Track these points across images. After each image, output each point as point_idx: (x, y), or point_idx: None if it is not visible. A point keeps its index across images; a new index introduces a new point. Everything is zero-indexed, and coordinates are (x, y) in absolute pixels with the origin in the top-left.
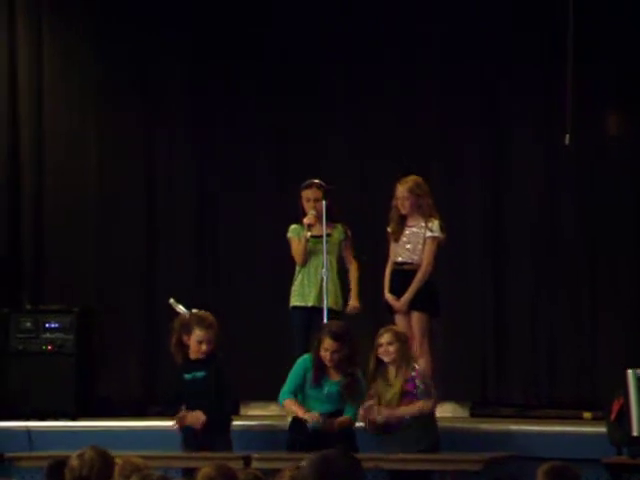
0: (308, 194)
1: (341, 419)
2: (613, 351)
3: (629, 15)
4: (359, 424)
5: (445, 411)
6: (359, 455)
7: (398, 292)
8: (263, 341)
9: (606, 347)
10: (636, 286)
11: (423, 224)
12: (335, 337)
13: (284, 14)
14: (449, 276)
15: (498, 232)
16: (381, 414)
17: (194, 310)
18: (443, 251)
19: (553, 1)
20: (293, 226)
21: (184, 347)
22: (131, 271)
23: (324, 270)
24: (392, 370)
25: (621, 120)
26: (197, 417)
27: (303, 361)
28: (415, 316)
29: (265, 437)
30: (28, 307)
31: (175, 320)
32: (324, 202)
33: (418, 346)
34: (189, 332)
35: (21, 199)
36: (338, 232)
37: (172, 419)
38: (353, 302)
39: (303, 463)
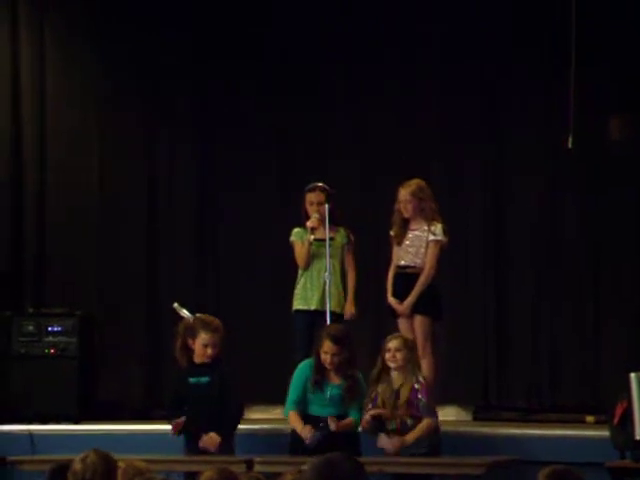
0: (311, 197)
1: (345, 422)
2: (616, 355)
3: (632, 17)
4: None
5: (448, 415)
6: (362, 459)
7: (401, 296)
8: (265, 344)
9: (609, 351)
10: (639, 290)
11: (426, 228)
12: (335, 340)
13: (284, 14)
14: (452, 279)
15: (500, 235)
16: (394, 446)
17: (198, 314)
18: (445, 254)
19: (553, 1)
20: (296, 229)
21: (189, 351)
22: (132, 271)
23: (327, 274)
24: (397, 376)
25: (623, 123)
26: (213, 439)
27: (302, 369)
28: (418, 319)
29: (268, 441)
30: (30, 310)
31: (179, 324)
32: (327, 206)
33: (421, 349)
34: (194, 336)
35: (23, 197)
36: (341, 236)
37: (170, 423)
38: (349, 308)
39: (305, 467)
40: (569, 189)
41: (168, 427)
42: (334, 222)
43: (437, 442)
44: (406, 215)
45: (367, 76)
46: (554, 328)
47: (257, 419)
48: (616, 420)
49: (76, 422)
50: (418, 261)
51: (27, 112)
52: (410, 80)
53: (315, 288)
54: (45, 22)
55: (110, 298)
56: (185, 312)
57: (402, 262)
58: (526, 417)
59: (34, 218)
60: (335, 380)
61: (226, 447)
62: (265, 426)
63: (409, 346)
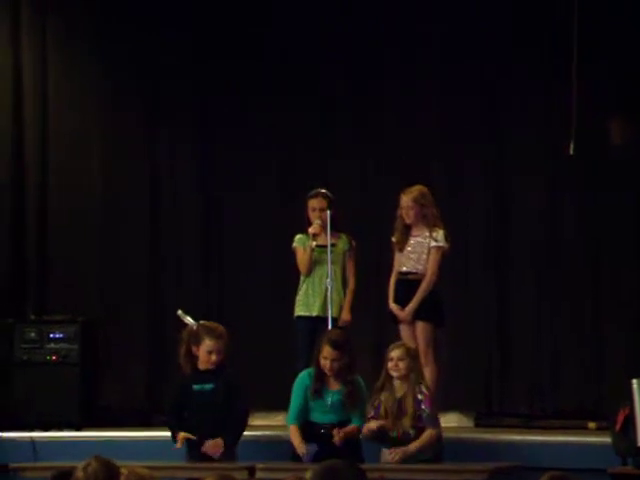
0: (314, 203)
1: (350, 428)
2: (618, 361)
3: (633, 17)
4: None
5: (450, 421)
6: (364, 466)
7: (403, 302)
8: (267, 350)
9: (611, 357)
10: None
11: (428, 234)
12: (335, 345)
13: (284, 14)
14: (453, 285)
15: (500, 237)
16: (397, 456)
17: (202, 321)
18: (447, 259)
19: (554, 1)
20: (299, 236)
21: (193, 358)
22: (134, 273)
23: (328, 280)
24: (400, 385)
25: (624, 125)
26: (217, 445)
27: (301, 379)
28: (420, 326)
29: (269, 447)
30: (32, 317)
31: (183, 331)
32: (329, 212)
33: (423, 356)
34: (198, 343)
35: (25, 199)
36: (343, 242)
37: (171, 431)
38: (344, 315)
39: (307, 474)
40: (569, 190)
41: (169, 434)
42: (336, 228)
43: (439, 450)
44: (408, 221)
45: (367, 76)
46: (556, 334)
47: (259, 425)
48: (618, 426)
49: (78, 429)
50: (420, 267)
51: (29, 114)
52: (410, 80)
53: (317, 294)
54: (47, 24)
55: (112, 300)
56: (189, 319)
57: (404, 268)
58: (528, 423)
59: (36, 220)
60: (335, 386)
61: (228, 453)
62: (267, 432)
63: (411, 355)
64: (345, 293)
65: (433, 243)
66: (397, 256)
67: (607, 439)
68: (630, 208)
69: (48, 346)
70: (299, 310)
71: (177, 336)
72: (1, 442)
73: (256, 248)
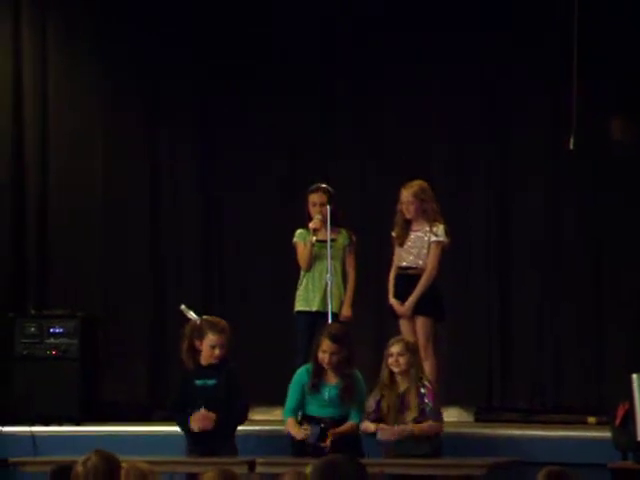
0: (314, 198)
1: (345, 427)
2: (618, 355)
3: (635, 17)
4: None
5: (450, 416)
6: (364, 460)
7: (403, 297)
8: (267, 345)
9: (611, 352)
10: None
11: (428, 229)
12: (334, 339)
13: (284, 14)
14: (454, 280)
15: (502, 235)
16: (395, 434)
17: (205, 316)
18: (447, 255)
19: (553, 1)
20: (299, 231)
21: (195, 353)
22: (135, 272)
23: (329, 275)
24: (401, 380)
25: (626, 124)
26: (207, 417)
27: (299, 375)
28: (420, 321)
29: (269, 442)
30: (32, 312)
31: (186, 326)
32: (329, 207)
33: (423, 351)
34: (201, 337)
35: (26, 199)
36: (343, 237)
37: (185, 425)
38: (345, 311)
39: (307, 468)
40: (570, 189)
41: (170, 428)
42: (336, 223)
43: (438, 444)
44: (408, 216)
45: (367, 76)
46: (557, 329)
47: (259, 420)
48: (618, 421)
49: (78, 423)
50: (420, 262)
51: (29, 114)
52: (410, 80)
53: (317, 289)
54: (47, 24)
55: (113, 299)
56: (192, 314)
57: (404, 263)
58: (528, 418)
59: (36, 220)
60: (333, 380)
61: (229, 448)
62: (267, 427)
63: (411, 349)
64: (345, 288)
65: (433, 238)
66: (397, 251)
67: (607, 434)
68: (631, 208)
69: (48, 341)
70: (299, 305)
71: (179, 331)
72: (1, 436)
73: (256, 248)
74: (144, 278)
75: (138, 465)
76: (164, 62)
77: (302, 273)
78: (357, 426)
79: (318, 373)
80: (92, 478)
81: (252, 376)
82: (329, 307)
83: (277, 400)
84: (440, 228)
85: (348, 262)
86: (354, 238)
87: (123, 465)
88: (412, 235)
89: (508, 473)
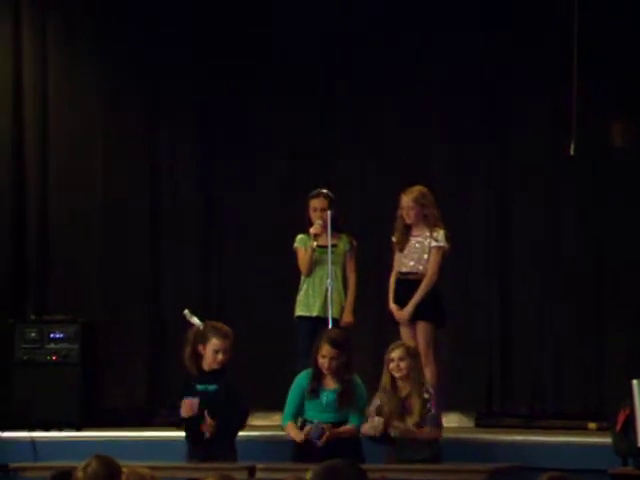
0: (315, 203)
1: (345, 428)
2: (619, 362)
3: (635, 17)
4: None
5: (450, 421)
6: (365, 465)
7: (403, 302)
8: (268, 348)
9: (611, 353)
10: None
11: (428, 234)
12: (334, 344)
13: (284, 14)
14: (454, 285)
15: (502, 236)
16: (397, 428)
17: (208, 321)
18: (448, 259)
19: (554, 1)
20: (300, 236)
21: (198, 358)
22: (135, 275)
23: (329, 280)
24: (403, 385)
25: (626, 127)
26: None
27: (299, 380)
28: (420, 326)
29: (270, 447)
30: (33, 317)
31: (189, 332)
32: (329, 212)
33: (423, 356)
34: (205, 342)
35: (25, 199)
36: (343, 242)
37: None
38: (346, 317)
39: (307, 474)
40: (570, 190)
41: (170, 434)
42: (337, 228)
43: (438, 450)
44: (408, 221)
45: (367, 76)
46: (557, 330)
47: (259, 425)
48: (618, 427)
49: (78, 429)
50: (420, 267)
51: (29, 114)
52: (410, 80)
53: (317, 295)
54: (47, 24)
55: (113, 299)
56: (195, 320)
57: (404, 268)
58: (528, 424)
59: (37, 220)
60: (331, 385)
61: (229, 453)
62: (267, 433)
63: (412, 354)
64: (346, 293)
65: (434, 243)
66: (397, 256)
67: (608, 439)
68: (631, 208)
69: (48, 346)
70: (299, 310)
71: (181, 336)
72: (1, 442)
73: (256, 248)
74: (144, 278)
75: (138, 470)
76: (164, 62)
77: (302, 278)
78: (356, 430)
79: (317, 378)
80: None
81: (252, 381)
82: (329, 313)
83: (277, 405)
84: (440, 233)
85: (349, 267)
86: (355, 243)
87: (123, 470)
88: (412, 240)
89: (508, 479)
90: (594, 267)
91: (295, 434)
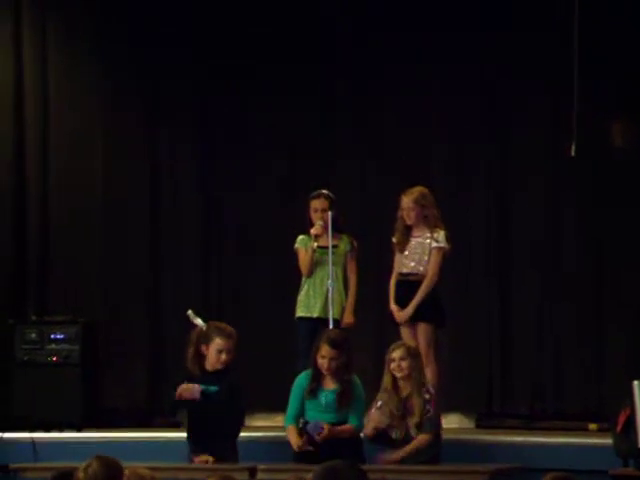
0: (316, 204)
1: (344, 427)
2: (619, 362)
3: (637, 17)
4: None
5: (450, 422)
6: (365, 466)
7: (403, 303)
8: (268, 351)
9: (612, 358)
10: None
11: (429, 235)
12: (333, 344)
13: (284, 14)
14: (454, 285)
15: (501, 238)
16: (391, 458)
17: (211, 322)
18: (448, 260)
19: (554, 1)
20: (300, 237)
21: (201, 358)
22: (135, 276)
23: (330, 281)
24: (404, 385)
25: (626, 128)
26: (192, 389)
27: (299, 381)
28: (421, 327)
29: (271, 448)
30: (33, 318)
31: (192, 332)
32: (330, 213)
33: (424, 357)
34: (208, 342)
35: (26, 201)
36: (344, 243)
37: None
38: (347, 317)
39: (309, 475)
40: (570, 190)
41: (171, 434)
42: (338, 229)
43: (437, 451)
44: (409, 222)
45: (367, 76)
46: (557, 330)
47: (260, 426)
48: (619, 428)
49: (79, 429)
50: (421, 268)
51: (30, 115)
52: (410, 80)
53: (318, 296)
54: (47, 24)
55: (113, 300)
56: (199, 321)
57: (405, 269)
58: (529, 424)
59: (37, 220)
60: (330, 385)
61: (230, 454)
62: (268, 433)
63: (413, 354)
64: (346, 294)
65: (434, 244)
66: (398, 257)
67: (608, 440)
68: (631, 208)
69: (49, 347)
70: (300, 311)
71: (181, 336)
72: (1, 443)
73: (256, 248)
74: (144, 278)
75: (139, 471)
76: (164, 62)
77: (303, 279)
78: (355, 430)
79: (317, 378)
80: None
81: (252, 382)
82: (330, 313)
83: (278, 406)
84: (441, 234)
85: (349, 268)
86: (355, 244)
87: (125, 471)
88: (413, 241)
89: (509, 479)
90: (594, 267)
91: (294, 441)
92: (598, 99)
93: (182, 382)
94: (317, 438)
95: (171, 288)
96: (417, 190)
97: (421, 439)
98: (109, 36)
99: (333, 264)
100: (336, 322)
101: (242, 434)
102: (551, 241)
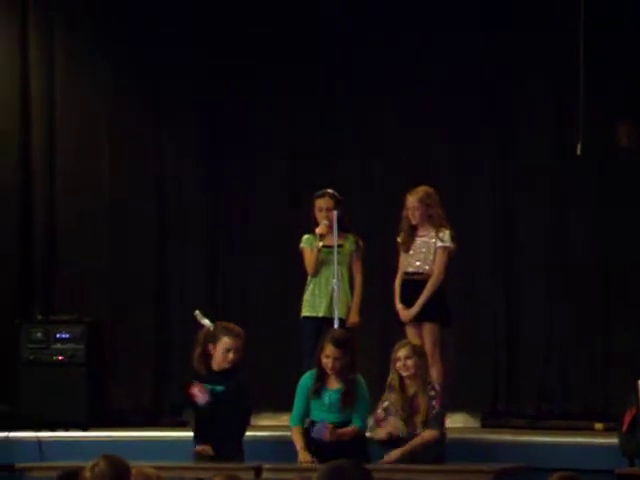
0: (321, 203)
1: (347, 429)
2: (625, 362)
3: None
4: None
5: (456, 422)
6: (370, 466)
7: (409, 303)
8: (274, 351)
9: (618, 358)
10: None
11: (434, 234)
12: (337, 344)
13: (284, 14)
14: (459, 284)
15: (507, 239)
16: (393, 456)
17: (219, 322)
18: (454, 261)
19: (554, 1)
20: (306, 236)
21: (207, 359)
22: (141, 276)
23: (335, 281)
24: (410, 384)
25: (632, 128)
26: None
27: (304, 380)
28: (427, 326)
29: (276, 447)
30: (39, 317)
31: (199, 332)
32: (335, 212)
33: (430, 356)
34: (215, 341)
35: (33, 201)
36: (349, 243)
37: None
38: (352, 317)
39: (314, 475)
40: (575, 190)
41: (177, 434)
42: (343, 228)
43: (442, 450)
44: (414, 222)
45: (367, 76)
46: (563, 334)
47: (265, 426)
48: (625, 427)
49: (85, 429)
50: (426, 268)
51: (37, 117)
52: (410, 80)
53: (323, 295)
54: (54, 25)
55: (119, 300)
56: (206, 321)
57: (410, 269)
58: (534, 424)
59: (44, 221)
60: (335, 385)
61: (236, 453)
62: (274, 433)
63: (418, 352)
64: (352, 294)
65: (439, 243)
66: (403, 257)
67: (614, 440)
68: (637, 208)
69: (55, 346)
70: (305, 311)
71: (187, 336)
72: (7, 442)
73: (261, 248)
74: (150, 278)
75: (145, 471)
76: (164, 62)
77: (309, 279)
78: (359, 430)
79: (321, 378)
80: None
81: (258, 381)
82: (336, 313)
83: (284, 405)
84: (446, 234)
85: (355, 268)
86: (361, 243)
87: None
88: (418, 241)
89: (514, 479)
90: (600, 267)
91: (298, 444)
92: (604, 99)
93: (188, 382)
94: (325, 439)
95: (177, 288)
96: (422, 189)
97: (426, 435)
98: (113, 37)
99: (338, 263)
100: (341, 322)
101: (248, 433)
102: (557, 241)
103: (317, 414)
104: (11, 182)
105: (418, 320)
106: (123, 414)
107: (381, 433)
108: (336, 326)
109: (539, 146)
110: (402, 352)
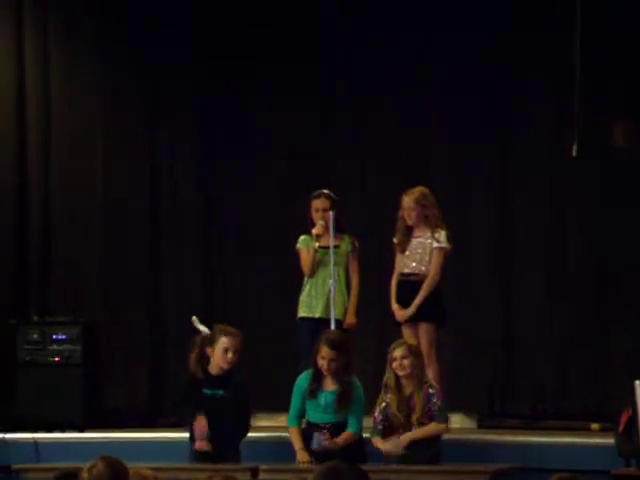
0: (317, 204)
1: (341, 438)
2: (621, 362)
3: (637, 18)
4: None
5: (453, 422)
6: (367, 466)
7: (405, 303)
8: (271, 352)
9: (614, 358)
10: None
11: (430, 235)
12: (332, 345)
13: (284, 14)
14: (455, 284)
15: (503, 236)
16: (403, 442)
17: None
18: (450, 260)
19: (554, 1)
20: (302, 237)
21: (205, 362)
22: (136, 276)
23: (331, 281)
24: (406, 383)
25: (628, 128)
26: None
27: (300, 381)
28: (422, 327)
29: (273, 448)
30: (35, 319)
31: (196, 337)
32: (331, 213)
33: (426, 357)
34: (213, 342)
35: (28, 202)
36: (346, 243)
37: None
38: (349, 318)
39: (310, 476)
40: (572, 190)
41: (173, 435)
42: (339, 229)
43: (437, 450)
44: (410, 222)
45: (367, 76)
46: (559, 334)
47: (262, 426)
48: (621, 428)
49: (81, 430)
50: (422, 268)
51: (32, 116)
52: (410, 80)
53: (320, 296)
54: (49, 25)
55: (113, 300)
56: (203, 327)
57: (406, 270)
58: (531, 424)
59: (39, 221)
60: (330, 386)
61: (232, 454)
62: (270, 434)
63: (414, 352)
64: (349, 294)
65: (435, 244)
66: (399, 257)
67: (610, 440)
68: (634, 208)
69: (51, 347)
70: (302, 311)
71: (182, 335)
72: (4, 443)
73: (257, 248)
74: (144, 278)
75: (141, 472)
76: (164, 62)
77: (305, 279)
78: (353, 435)
79: (317, 379)
80: None
81: (255, 382)
82: (332, 314)
83: (280, 406)
84: (442, 234)
85: (351, 268)
86: (357, 244)
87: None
88: (414, 241)
89: (511, 479)
90: (597, 267)
91: (297, 444)
92: (600, 99)
93: (184, 384)
94: (325, 445)
95: (171, 288)
96: (418, 190)
97: (431, 427)
98: (109, 36)
99: (335, 264)
100: (338, 322)
101: None
102: (554, 241)
103: (313, 415)
104: (6, 182)
105: (414, 320)
106: (119, 415)
107: (381, 445)
108: (333, 327)
109: (538, 146)
110: (398, 352)
